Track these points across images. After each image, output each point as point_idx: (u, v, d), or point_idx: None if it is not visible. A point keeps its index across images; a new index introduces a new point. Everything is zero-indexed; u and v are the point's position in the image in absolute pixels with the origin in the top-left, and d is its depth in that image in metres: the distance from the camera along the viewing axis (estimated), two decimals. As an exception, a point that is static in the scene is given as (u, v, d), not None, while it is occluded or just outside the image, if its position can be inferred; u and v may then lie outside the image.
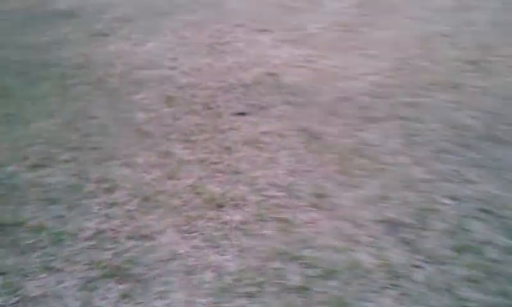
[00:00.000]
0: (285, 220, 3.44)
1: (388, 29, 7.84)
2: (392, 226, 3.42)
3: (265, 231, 3.35)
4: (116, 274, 2.94)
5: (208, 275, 2.96)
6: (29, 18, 8.28)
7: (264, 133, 4.66)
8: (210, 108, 5.16)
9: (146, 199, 3.65)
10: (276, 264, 3.05)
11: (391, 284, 2.91)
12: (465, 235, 3.35)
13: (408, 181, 3.94)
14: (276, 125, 4.82)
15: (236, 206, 3.59)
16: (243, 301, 2.79)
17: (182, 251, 3.14)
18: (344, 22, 8.21)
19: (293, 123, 4.87)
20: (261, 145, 4.45)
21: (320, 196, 3.73)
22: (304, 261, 3.07)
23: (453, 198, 3.74)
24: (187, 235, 3.29)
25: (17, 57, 6.51)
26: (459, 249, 3.21)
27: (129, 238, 3.25)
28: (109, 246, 3.16)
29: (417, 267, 3.06)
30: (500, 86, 5.82)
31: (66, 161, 4.11)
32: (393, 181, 3.92)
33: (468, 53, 6.88)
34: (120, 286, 2.85)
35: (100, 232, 3.29)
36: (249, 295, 2.83)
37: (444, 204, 3.67)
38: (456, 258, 3.13)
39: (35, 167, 4.02)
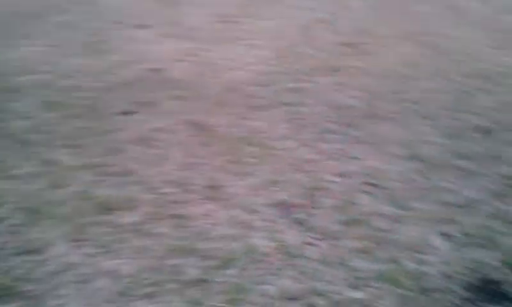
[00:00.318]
0: (180, 216, 3.41)
1: (270, 19, 7.99)
2: (285, 208, 3.51)
3: (160, 230, 3.30)
4: (5, 293, 2.77)
5: (104, 282, 2.87)
6: None
7: (153, 130, 4.58)
8: (93, 110, 4.98)
9: (32, 211, 3.46)
10: (173, 261, 3.02)
11: (288, 265, 2.99)
12: (354, 208, 3.51)
13: (296, 164, 4.05)
14: (165, 121, 4.75)
15: (129, 207, 3.50)
16: (142, 303, 2.73)
17: (74, 261, 3.01)
18: (225, 14, 8.27)
19: (181, 117, 4.83)
20: (150, 143, 4.37)
21: (213, 187, 3.74)
22: (202, 254, 3.07)
23: (340, 175, 3.90)
24: (79, 243, 3.16)
25: None
26: (349, 223, 3.35)
27: (16, 254, 3.06)
28: (-6, 265, 2.97)
29: (311, 244, 3.16)
30: (377, 66, 6.15)
31: None
32: (282, 165, 4.02)
33: (346, 37, 7.19)
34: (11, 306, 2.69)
35: (-18, 252, 3.08)
36: (149, 296, 2.78)
37: (332, 181, 3.82)
38: (347, 232, 3.27)
39: None
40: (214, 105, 5.10)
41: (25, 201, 3.56)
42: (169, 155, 4.17)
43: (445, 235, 3.25)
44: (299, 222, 3.36)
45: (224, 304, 2.73)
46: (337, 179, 3.85)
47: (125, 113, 4.90)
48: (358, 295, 2.79)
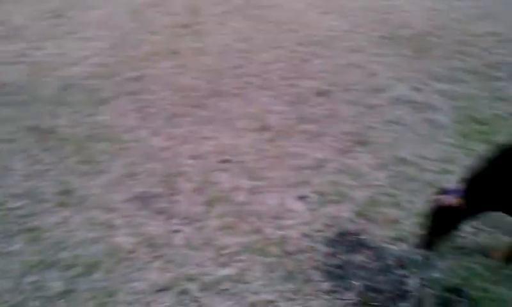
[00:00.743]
0: (34, 229, 3.21)
1: (99, 9, 7.71)
2: (144, 200, 3.46)
3: (13, 247, 3.09)
4: None
5: (-42, 315, 2.64)
6: None
7: (-11, 142, 4.25)
8: None
9: None
10: (33, 277, 2.85)
11: (154, 257, 2.96)
12: (213, 188, 3.56)
13: (150, 153, 4.00)
14: (1, 129, 4.42)
15: (-26, 229, 3.24)
16: (6, 328, 2.56)
17: None
18: (51, 9, 7.82)
19: (20, 123, 4.52)
20: (-12, 156, 4.05)
21: (65, 192, 3.57)
22: (63, 264, 2.93)
23: (195, 157, 3.93)
24: None
25: None
26: (210, 203, 3.40)
27: None
28: None
29: (176, 231, 3.16)
30: (214, 44, 6.22)
31: None
32: (136, 157, 3.94)
33: (179, 18, 7.17)
34: None
35: None
36: (12, 319, 2.61)
37: (188, 165, 3.83)
38: (209, 212, 3.32)
39: None
40: (53, 106, 4.83)
41: None
42: (12, 166, 3.89)
43: (301, 198, 3.43)
44: (161, 212, 3.33)
45: (95, 310, 2.65)
46: (193, 162, 3.87)
47: (-46, 128, 4.47)
48: (227, 271, 2.85)
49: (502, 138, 3.69)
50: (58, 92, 5.13)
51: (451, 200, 2.56)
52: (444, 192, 2.64)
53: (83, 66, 5.73)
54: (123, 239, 3.10)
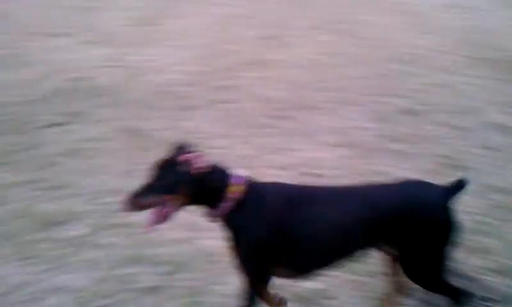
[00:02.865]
0: (128, 225, 3.35)
1: (188, 18, 7.96)
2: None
3: (109, 240, 3.24)
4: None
5: (57, 298, 2.80)
6: None
7: (86, 140, 4.48)
8: (20, 125, 4.79)
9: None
10: (127, 269, 2.99)
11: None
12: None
13: (235, 161, 4.05)
14: (97, 130, 4.66)
15: (73, 220, 3.42)
16: (95, 314, 2.70)
17: (22, 280, 2.91)
18: (142, 16, 8.17)
19: (114, 124, 4.75)
20: (85, 153, 4.27)
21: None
22: (153, 260, 3.05)
23: (281, 168, 3.98)
24: (25, 262, 3.06)
25: None
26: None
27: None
28: None
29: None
30: (300, 57, 6.29)
31: None
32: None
33: (266, 30, 7.29)
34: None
35: None
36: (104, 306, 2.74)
37: (273, 175, 3.86)
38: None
39: None
40: (145, 109, 5.05)
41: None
42: (108, 164, 4.08)
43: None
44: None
45: None
46: (278, 172, 3.92)
47: (53, 125, 4.74)
48: (315, 285, 2.86)
49: None
50: (149, 96, 5.35)
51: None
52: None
53: (173, 73, 5.94)
54: (211, 242, 3.17)
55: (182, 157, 2.11)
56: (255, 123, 4.70)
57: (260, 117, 4.82)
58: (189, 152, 2.16)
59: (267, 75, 5.80)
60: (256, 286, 2.27)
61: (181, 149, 2.22)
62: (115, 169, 4.01)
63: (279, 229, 2.13)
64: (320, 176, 3.86)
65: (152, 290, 2.85)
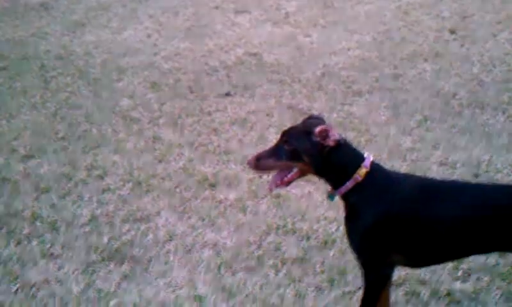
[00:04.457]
0: (279, 196, 3.44)
1: (369, 3, 7.82)
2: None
3: (259, 207, 3.36)
4: (115, 256, 2.93)
5: (207, 253, 2.97)
6: (1, 13, 8.05)
7: (251, 112, 4.66)
8: (194, 91, 5.14)
9: (138, 183, 3.64)
10: (273, 238, 3.08)
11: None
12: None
13: (396, 152, 3.97)
14: (262, 104, 4.82)
15: (229, 185, 3.60)
16: (243, 275, 2.80)
17: (179, 231, 3.15)
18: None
19: (279, 100, 4.89)
20: (249, 124, 4.45)
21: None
22: (300, 233, 3.10)
23: (443, 164, 3.81)
24: (183, 215, 3.30)
25: (-6, 53, 6.37)
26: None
27: (125, 221, 3.24)
28: (105, 231, 3.15)
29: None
30: (482, 53, 5.88)
31: (55, 151, 4.07)
32: (382, 152, 3.91)
33: (447, 22, 6.93)
34: (120, 268, 2.85)
35: (94, 218, 3.27)
36: (249, 269, 2.85)
37: (435, 171, 3.71)
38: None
39: (24, 158, 3.97)
40: (311, 90, 5.11)
41: (131, 174, 3.75)
42: (267, 137, 4.20)
43: None
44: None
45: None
46: (441, 168, 3.75)
47: (225, 95, 5.01)
48: (463, 286, 2.71)
49: None
50: (317, 77, 5.40)
51: None
52: None
53: (343, 57, 5.92)
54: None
55: (318, 128, 2.11)
56: (422, 116, 4.51)
57: (429, 110, 4.62)
58: (322, 125, 2.16)
59: (443, 68, 5.52)
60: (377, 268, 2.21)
61: (313, 120, 2.25)
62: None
63: (400, 218, 2.12)
64: (484, 178, 3.61)
65: (296, 260, 2.90)
